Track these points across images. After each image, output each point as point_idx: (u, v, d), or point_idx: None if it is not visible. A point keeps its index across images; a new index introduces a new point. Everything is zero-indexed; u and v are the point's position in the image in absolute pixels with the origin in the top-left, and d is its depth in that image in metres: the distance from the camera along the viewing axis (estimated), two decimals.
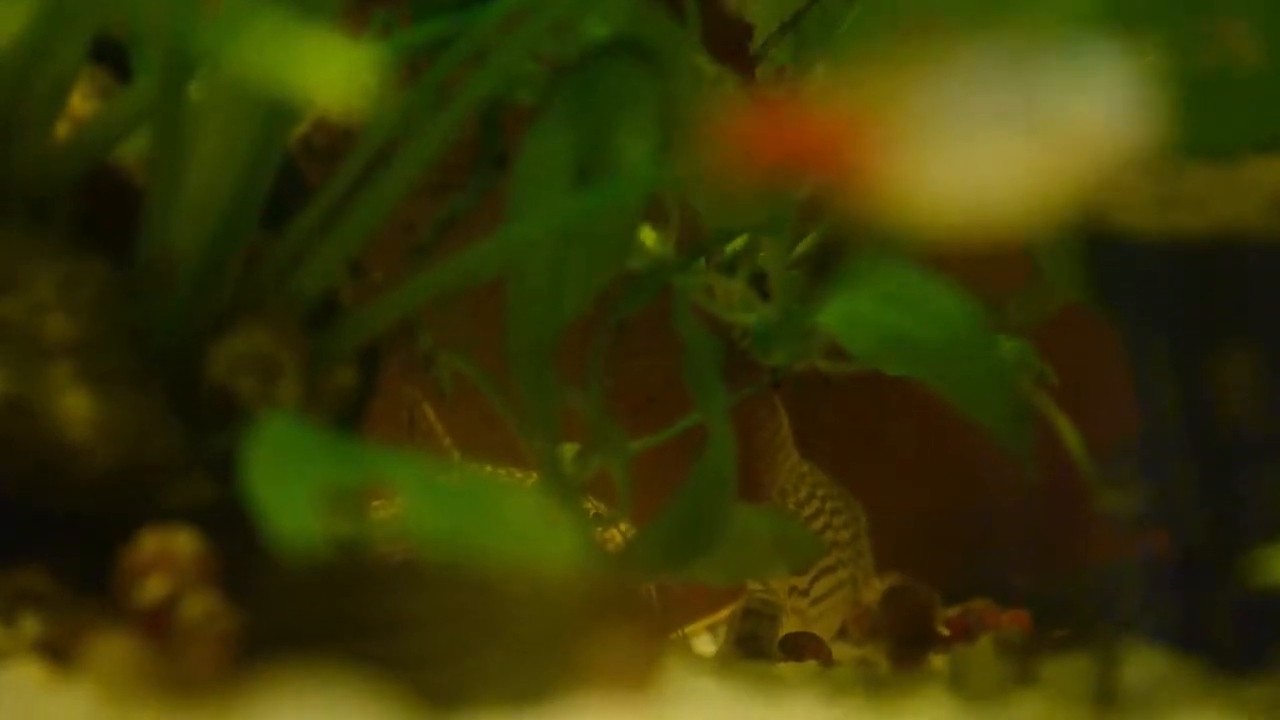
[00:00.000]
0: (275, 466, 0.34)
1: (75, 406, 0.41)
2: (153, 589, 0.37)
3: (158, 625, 0.37)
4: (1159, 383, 0.51)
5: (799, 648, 0.73)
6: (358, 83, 0.25)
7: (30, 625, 0.39)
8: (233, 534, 0.37)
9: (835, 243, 0.69)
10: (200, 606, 0.37)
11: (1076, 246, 0.51)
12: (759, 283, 0.67)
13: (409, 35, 0.53)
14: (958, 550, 0.98)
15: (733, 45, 0.74)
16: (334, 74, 0.25)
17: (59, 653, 0.38)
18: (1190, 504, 0.50)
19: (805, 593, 0.79)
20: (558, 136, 0.50)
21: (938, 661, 0.67)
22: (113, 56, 0.53)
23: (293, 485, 0.33)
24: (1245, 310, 0.48)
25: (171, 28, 0.41)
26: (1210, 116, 0.42)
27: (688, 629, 0.86)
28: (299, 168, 0.54)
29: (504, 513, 0.34)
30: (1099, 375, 0.58)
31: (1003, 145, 0.33)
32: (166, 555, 0.38)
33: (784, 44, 0.77)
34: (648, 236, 0.64)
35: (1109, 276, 0.51)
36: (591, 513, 0.70)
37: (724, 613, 0.82)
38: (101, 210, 0.48)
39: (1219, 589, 0.50)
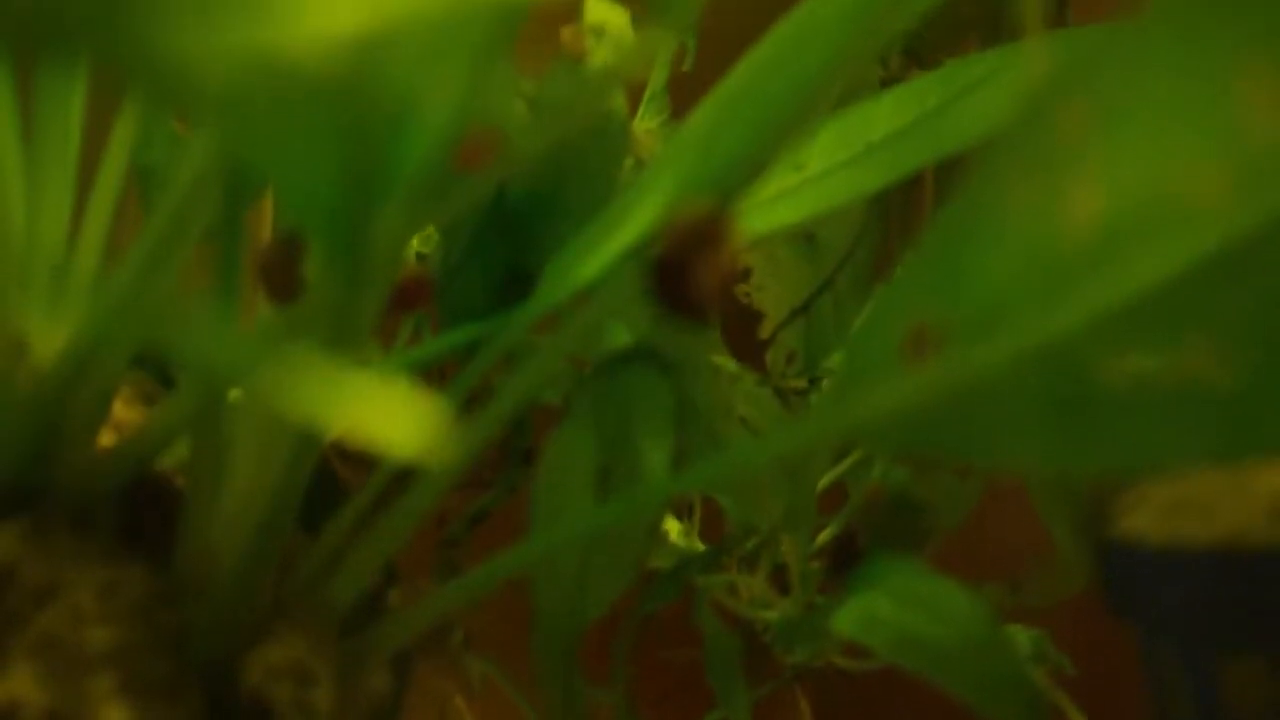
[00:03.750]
0: None
1: (114, 718, 0.42)
2: None
3: None
4: (1171, 684, 0.51)
5: None
6: (422, 430, 0.26)
7: None
8: None
9: (852, 535, 0.70)
10: None
11: (1088, 546, 0.52)
12: (779, 573, 0.68)
13: (439, 341, 0.55)
14: None
15: (743, 333, 0.76)
16: (397, 421, 0.26)
17: None
18: None
19: None
20: (581, 442, 0.51)
21: None
22: (155, 362, 0.54)
23: None
24: (1254, 616, 0.49)
25: (209, 364, 0.43)
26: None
27: None
28: (333, 469, 0.55)
29: None
30: (1115, 664, 0.59)
31: None
32: None
33: (794, 330, 0.79)
34: (672, 527, 0.66)
35: (1118, 578, 0.52)
36: None
37: None
38: (142, 515, 0.49)
39: None
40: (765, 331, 0.78)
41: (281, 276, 0.46)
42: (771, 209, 0.51)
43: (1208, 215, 0.33)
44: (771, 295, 0.78)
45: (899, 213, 0.81)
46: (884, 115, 0.53)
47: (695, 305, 0.38)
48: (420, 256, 0.62)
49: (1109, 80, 0.34)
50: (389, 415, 0.24)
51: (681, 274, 0.38)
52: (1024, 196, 0.36)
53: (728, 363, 0.64)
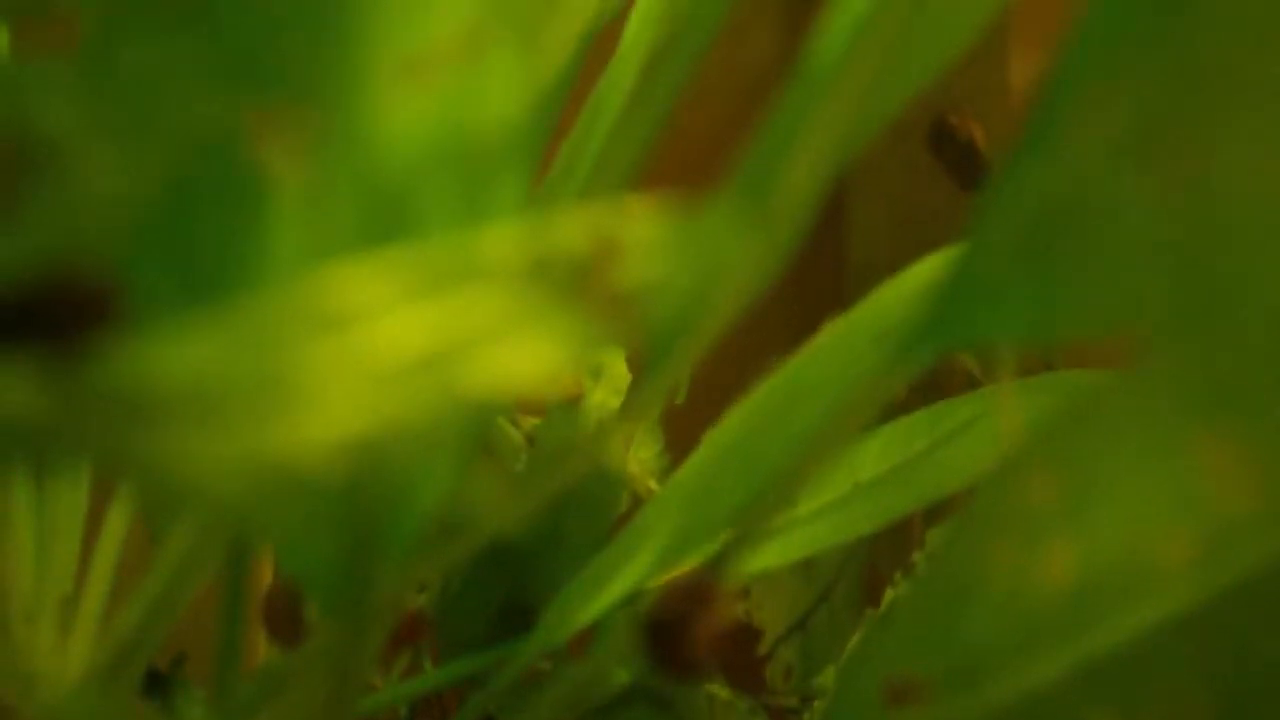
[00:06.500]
0: None
1: None
2: None
3: None
4: None
5: None
6: None
7: None
8: None
9: None
10: None
11: None
12: None
13: (438, 674, 0.56)
14: None
15: (741, 649, 0.77)
16: None
17: None
18: None
19: None
20: None
21: None
22: (159, 686, 0.55)
23: None
24: None
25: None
26: None
27: None
28: None
29: None
30: None
31: None
32: None
33: (791, 646, 0.79)
34: None
35: None
36: None
37: None
38: None
39: None
40: (763, 648, 0.78)
41: (284, 622, 0.47)
42: (762, 550, 0.53)
43: (1176, 577, 0.34)
44: (769, 612, 0.79)
45: (889, 530, 0.83)
46: (872, 456, 0.54)
47: (689, 664, 0.39)
48: (420, 585, 0.63)
49: (1078, 448, 0.36)
50: None
51: (675, 635, 0.39)
52: (1001, 554, 0.37)
53: (720, 690, 0.65)
